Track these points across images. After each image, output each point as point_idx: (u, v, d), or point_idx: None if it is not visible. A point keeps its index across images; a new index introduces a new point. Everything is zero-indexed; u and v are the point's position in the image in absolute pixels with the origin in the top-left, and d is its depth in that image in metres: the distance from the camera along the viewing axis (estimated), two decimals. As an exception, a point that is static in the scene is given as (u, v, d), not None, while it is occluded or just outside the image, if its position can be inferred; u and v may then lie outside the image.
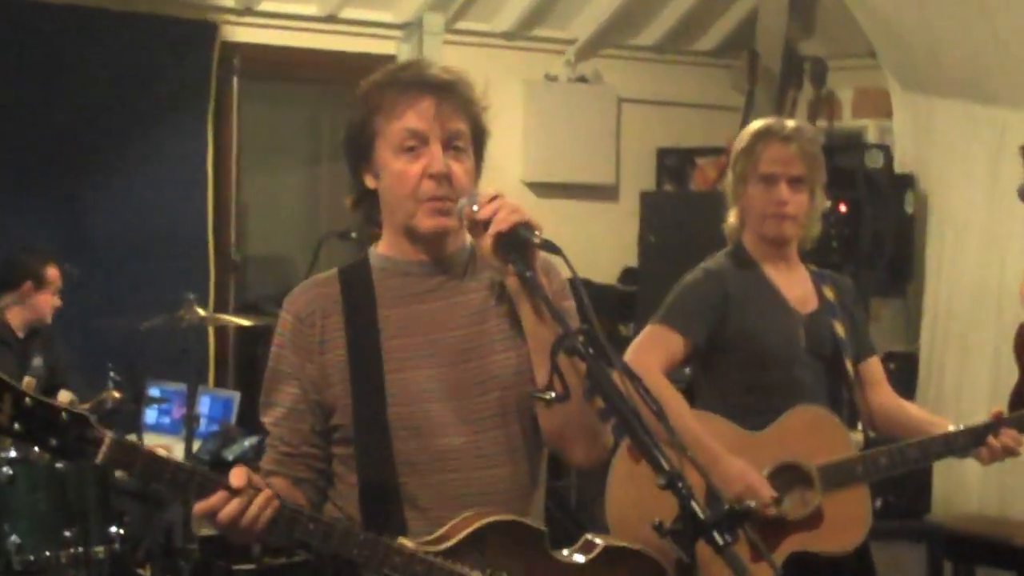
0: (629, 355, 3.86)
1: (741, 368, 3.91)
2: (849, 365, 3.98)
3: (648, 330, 3.93)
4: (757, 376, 3.89)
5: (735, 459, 3.72)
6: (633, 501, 3.68)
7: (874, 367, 4.12)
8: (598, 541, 2.76)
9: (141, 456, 2.42)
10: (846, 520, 3.83)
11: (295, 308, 2.74)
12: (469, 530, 2.61)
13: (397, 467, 2.65)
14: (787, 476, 3.80)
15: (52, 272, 6.26)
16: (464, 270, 2.74)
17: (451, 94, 2.68)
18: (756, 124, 3.98)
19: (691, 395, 4.06)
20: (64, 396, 5.71)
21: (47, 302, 6.27)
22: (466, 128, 2.69)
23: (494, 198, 2.57)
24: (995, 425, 3.92)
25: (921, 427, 4.00)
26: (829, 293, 4.02)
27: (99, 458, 2.38)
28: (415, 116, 2.65)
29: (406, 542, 2.58)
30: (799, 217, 3.90)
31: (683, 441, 2.35)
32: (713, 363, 3.95)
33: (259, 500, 2.47)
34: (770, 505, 3.69)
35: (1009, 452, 3.93)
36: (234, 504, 2.46)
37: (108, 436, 2.39)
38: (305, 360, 2.70)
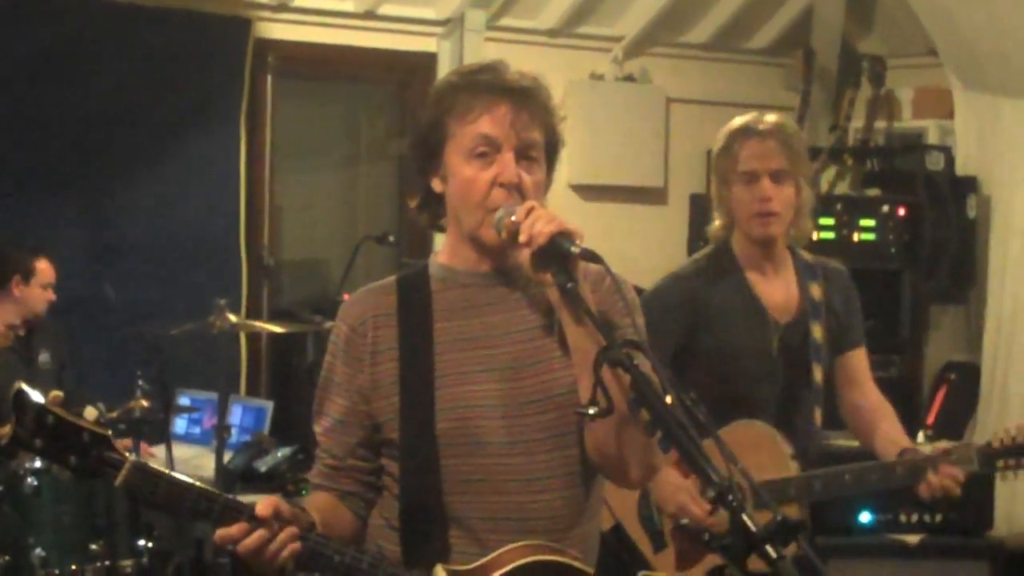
0: None
1: (708, 376, 3.89)
2: (819, 374, 3.95)
3: None
4: (721, 388, 3.86)
5: (674, 473, 3.72)
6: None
7: (854, 362, 4.07)
8: None
9: (162, 482, 2.44)
10: None
11: (349, 317, 2.72)
12: (506, 569, 2.54)
13: (444, 484, 2.61)
14: None
15: (42, 265, 6.20)
16: (527, 282, 2.66)
17: (529, 101, 2.62)
18: (733, 123, 3.95)
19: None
20: (90, 413, 5.61)
21: (38, 296, 6.20)
22: (541, 138, 2.64)
23: (530, 210, 2.52)
24: (935, 460, 3.82)
25: (879, 447, 3.93)
26: (816, 291, 3.98)
27: (117, 481, 2.41)
28: (490, 122, 2.60)
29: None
30: (784, 213, 3.86)
31: (734, 453, 2.31)
32: (683, 368, 3.91)
33: (282, 536, 2.47)
34: (707, 519, 3.69)
35: (947, 491, 3.80)
36: (255, 536, 2.46)
37: (129, 459, 2.42)
38: (356, 371, 2.68)
